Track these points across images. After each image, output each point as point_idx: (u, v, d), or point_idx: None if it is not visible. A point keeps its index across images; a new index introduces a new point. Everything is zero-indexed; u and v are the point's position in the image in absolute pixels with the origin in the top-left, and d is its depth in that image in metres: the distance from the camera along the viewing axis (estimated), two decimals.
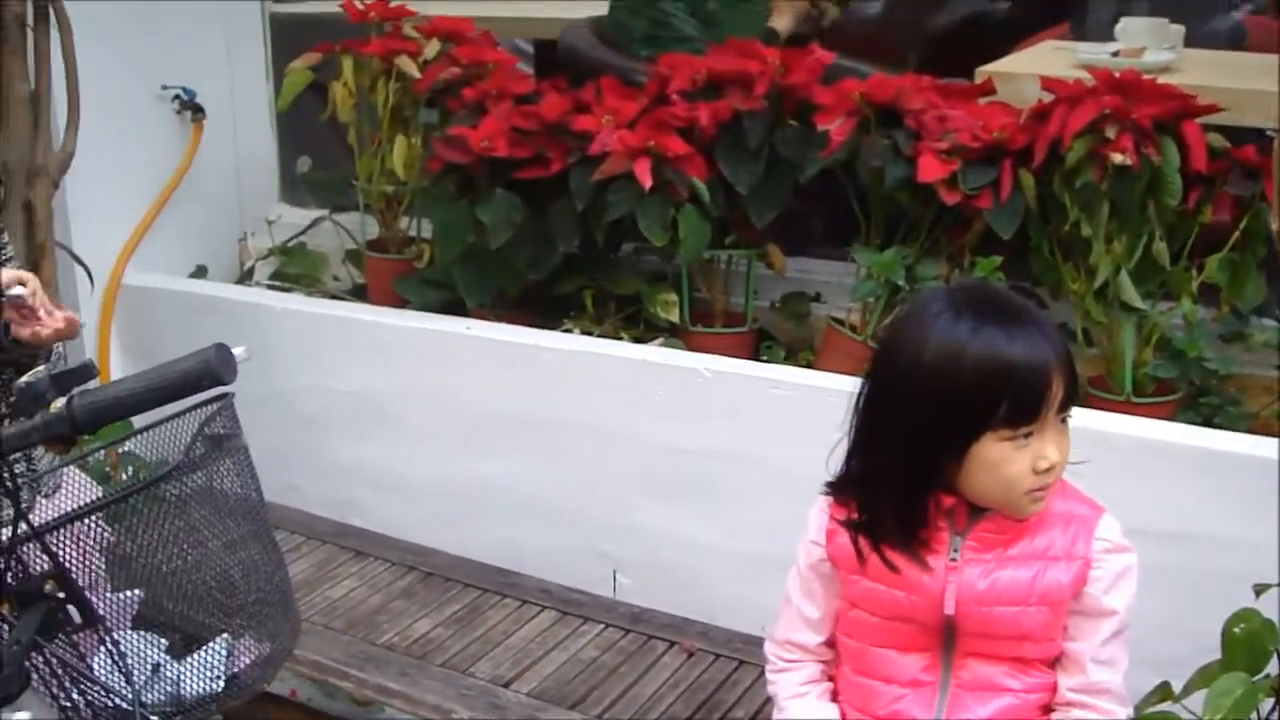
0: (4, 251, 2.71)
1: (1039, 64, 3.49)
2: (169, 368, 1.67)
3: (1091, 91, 2.98)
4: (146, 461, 2.17)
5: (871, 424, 1.93)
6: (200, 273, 4.51)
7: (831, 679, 2.15)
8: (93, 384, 1.76)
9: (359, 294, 4.18)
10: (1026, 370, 1.79)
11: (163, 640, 2.12)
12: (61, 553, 1.86)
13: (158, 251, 4.38)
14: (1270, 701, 2.09)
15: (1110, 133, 2.90)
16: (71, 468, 2.59)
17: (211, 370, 1.65)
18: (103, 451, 3.38)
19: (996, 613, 1.91)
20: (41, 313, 2.48)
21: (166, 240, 4.40)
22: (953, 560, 1.91)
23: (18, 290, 2.45)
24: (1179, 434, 2.85)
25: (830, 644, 2.13)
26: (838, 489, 2.02)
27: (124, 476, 3.61)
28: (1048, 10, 4.57)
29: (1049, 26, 4.37)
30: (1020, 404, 1.79)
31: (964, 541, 1.92)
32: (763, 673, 2.22)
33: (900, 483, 1.90)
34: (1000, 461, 1.82)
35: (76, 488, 2.49)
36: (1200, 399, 3.06)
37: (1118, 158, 2.88)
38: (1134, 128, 2.91)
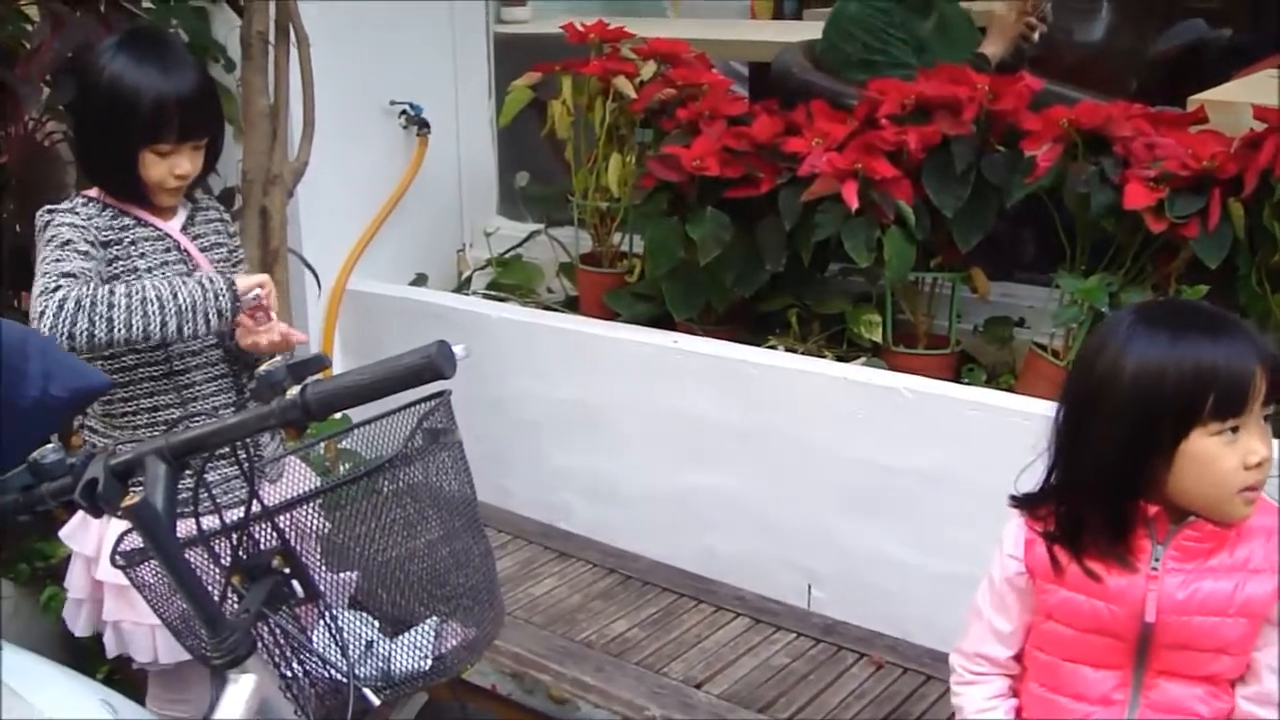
0: (236, 254, 2.90)
1: (1254, 93, 3.43)
2: (394, 361, 1.76)
3: None
4: (364, 458, 2.29)
5: (1074, 437, 1.97)
6: (420, 280, 4.67)
7: (1015, 694, 2.18)
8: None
9: (571, 306, 4.28)
10: (1231, 361, 1.82)
11: (374, 621, 2.24)
12: (287, 533, 2.00)
13: (381, 259, 4.55)
14: None
15: None
16: (293, 458, 2.76)
17: (434, 365, 1.74)
18: (323, 446, 3.57)
19: (1195, 623, 1.93)
20: (272, 314, 2.67)
21: (389, 248, 4.58)
22: (1153, 570, 1.94)
23: (256, 293, 2.63)
24: None
25: (1018, 659, 2.16)
26: (1030, 504, 2.07)
27: (343, 471, 3.78)
28: (1269, 40, 4.49)
29: (1269, 55, 4.30)
30: (1227, 394, 1.82)
31: (1165, 551, 1.94)
32: (949, 688, 2.27)
33: (1108, 491, 1.94)
34: (1212, 458, 1.85)
35: (299, 476, 2.66)
36: None
37: None
38: None
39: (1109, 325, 1.99)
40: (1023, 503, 2.08)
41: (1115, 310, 2.73)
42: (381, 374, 1.76)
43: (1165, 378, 1.84)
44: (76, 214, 2.61)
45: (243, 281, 2.62)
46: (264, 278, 2.68)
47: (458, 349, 1.79)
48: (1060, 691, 2.07)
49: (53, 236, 2.57)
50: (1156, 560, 1.95)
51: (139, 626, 2.67)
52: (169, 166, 2.63)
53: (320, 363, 1.85)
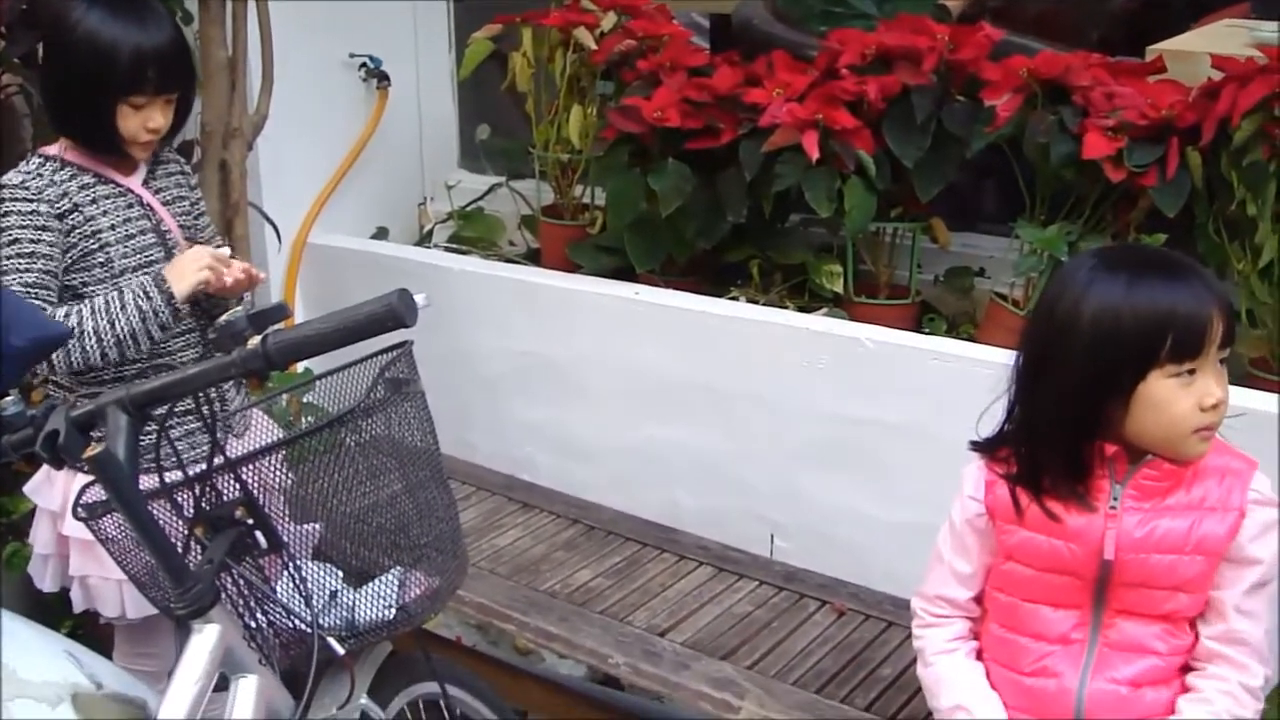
0: (199, 206, 2.89)
1: (1212, 43, 3.45)
2: (356, 309, 1.78)
3: (1263, 70, 2.93)
4: (328, 412, 2.29)
5: (1034, 380, 2.00)
6: (381, 234, 4.66)
7: (975, 637, 2.21)
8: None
9: (533, 258, 4.26)
10: (1188, 305, 1.85)
11: (339, 571, 2.25)
12: (251, 485, 2.00)
13: (342, 212, 4.54)
14: None
15: None
16: (257, 411, 2.76)
17: (395, 312, 1.75)
18: (286, 399, 3.57)
19: (1153, 561, 1.96)
20: (237, 270, 2.67)
21: (350, 202, 4.57)
22: (1112, 508, 1.97)
23: (201, 289, 2.64)
24: None
25: (978, 601, 2.19)
26: (989, 447, 2.09)
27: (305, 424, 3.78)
28: None
29: (1227, 6, 4.31)
30: (1184, 338, 1.85)
31: (1124, 490, 1.97)
32: (911, 633, 2.29)
33: (1066, 432, 1.97)
34: (1168, 400, 1.88)
35: (263, 429, 2.67)
36: None
37: None
38: None
39: (1068, 269, 2.01)
40: (982, 446, 2.11)
41: (1075, 256, 2.75)
42: (343, 322, 1.77)
43: (1123, 321, 1.86)
44: (26, 189, 2.58)
45: (180, 286, 2.61)
46: (207, 275, 2.65)
47: (419, 297, 1.81)
48: (1020, 631, 2.10)
49: (3, 229, 2.55)
50: (1115, 499, 1.98)
51: (106, 581, 2.68)
52: (142, 120, 2.61)
53: (282, 312, 1.85)
